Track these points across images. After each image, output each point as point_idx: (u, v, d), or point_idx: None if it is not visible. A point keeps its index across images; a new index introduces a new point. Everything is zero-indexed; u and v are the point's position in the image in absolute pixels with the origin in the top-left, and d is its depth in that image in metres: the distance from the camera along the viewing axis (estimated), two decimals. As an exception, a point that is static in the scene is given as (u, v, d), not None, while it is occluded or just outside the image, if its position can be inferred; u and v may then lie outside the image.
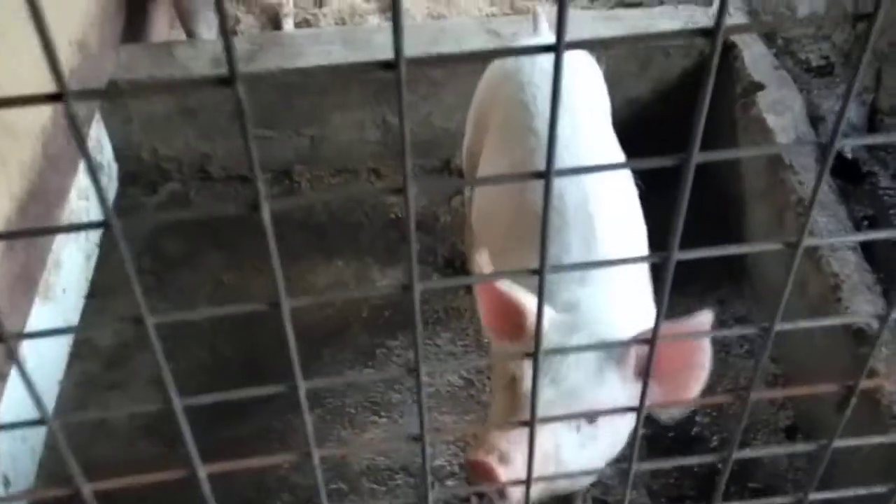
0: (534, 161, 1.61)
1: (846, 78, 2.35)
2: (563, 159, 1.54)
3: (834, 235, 1.90)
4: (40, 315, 2.00)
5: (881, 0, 0.49)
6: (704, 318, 1.18)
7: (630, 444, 0.68)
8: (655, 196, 1.62)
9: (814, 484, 0.80)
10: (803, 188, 2.04)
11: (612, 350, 1.26)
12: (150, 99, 2.49)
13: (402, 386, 2.09)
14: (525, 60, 1.78)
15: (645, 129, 2.10)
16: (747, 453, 0.83)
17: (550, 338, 1.27)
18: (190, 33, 2.83)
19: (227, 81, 0.51)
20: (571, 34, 0.46)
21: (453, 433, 2.04)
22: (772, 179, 2.16)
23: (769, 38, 2.54)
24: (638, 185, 1.66)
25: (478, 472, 1.19)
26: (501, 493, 1.21)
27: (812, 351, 1.94)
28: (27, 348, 1.92)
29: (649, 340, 0.64)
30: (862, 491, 0.85)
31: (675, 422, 1.94)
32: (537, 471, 1.21)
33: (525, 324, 1.29)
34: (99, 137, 2.47)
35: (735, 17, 2.58)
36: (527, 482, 0.75)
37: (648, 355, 0.64)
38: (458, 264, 2.37)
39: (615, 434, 1.31)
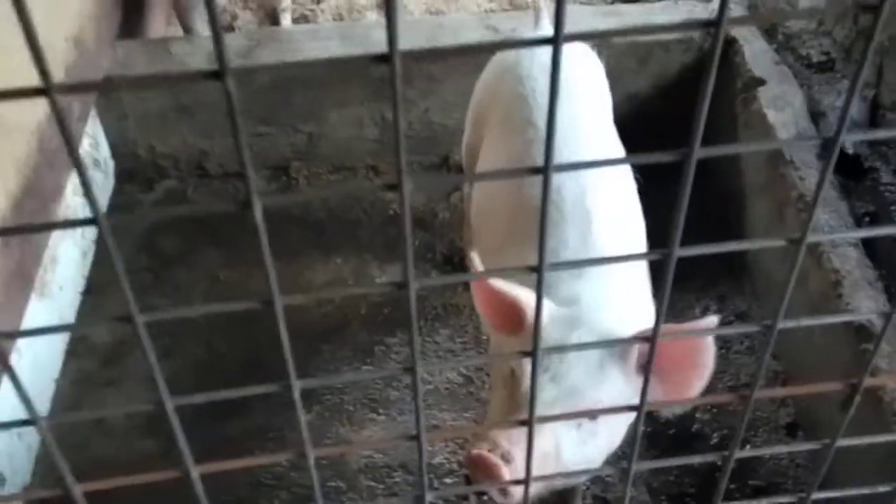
0: (532, 154, 1.60)
1: (847, 72, 2.34)
2: (562, 153, 1.53)
3: (835, 231, 1.88)
4: (36, 312, 1.99)
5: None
6: (709, 322, 1.18)
7: (630, 442, 0.67)
8: (655, 191, 1.61)
9: (816, 483, 0.79)
10: (804, 184, 2.03)
11: (614, 340, 1.26)
12: (146, 96, 2.48)
13: (401, 383, 2.08)
14: (524, 54, 1.77)
15: (644, 124, 2.09)
16: (749, 452, 0.82)
17: (550, 333, 1.26)
18: (187, 29, 2.81)
19: (217, 75, 0.50)
20: (570, 28, 0.45)
21: (451, 433, 2.03)
22: (772, 175, 2.15)
23: (770, 33, 2.53)
24: (637, 180, 1.65)
25: (479, 468, 1.18)
26: (503, 492, 1.20)
27: (813, 348, 1.93)
28: (23, 346, 1.91)
29: (649, 339, 0.63)
30: (865, 490, 0.84)
31: (675, 416, 1.93)
32: (538, 469, 1.20)
33: (524, 318, 1.28)
34: (95, 134, 2.46)
35: (735, 12, 2.56)
36: (525, 482, 0.74)
37: (649, 354, 0.63)
38: (456, 261, 2.36)
39: (615, 429, 1.31)
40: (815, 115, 2.26)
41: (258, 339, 2.08)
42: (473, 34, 2.50)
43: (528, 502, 0.78)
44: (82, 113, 2.35)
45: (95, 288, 2.30)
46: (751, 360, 2.10)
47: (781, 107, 2.23)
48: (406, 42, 0.43)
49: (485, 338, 2.14)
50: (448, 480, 1.91)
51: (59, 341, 2.14)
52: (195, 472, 0.71)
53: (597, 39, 0.48)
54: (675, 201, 0.54)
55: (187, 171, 2.62)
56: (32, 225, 0.53)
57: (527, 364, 1.23)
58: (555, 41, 0.48)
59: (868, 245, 1.92)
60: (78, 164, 0.50)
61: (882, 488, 0.87)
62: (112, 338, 2.18)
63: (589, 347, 0.90)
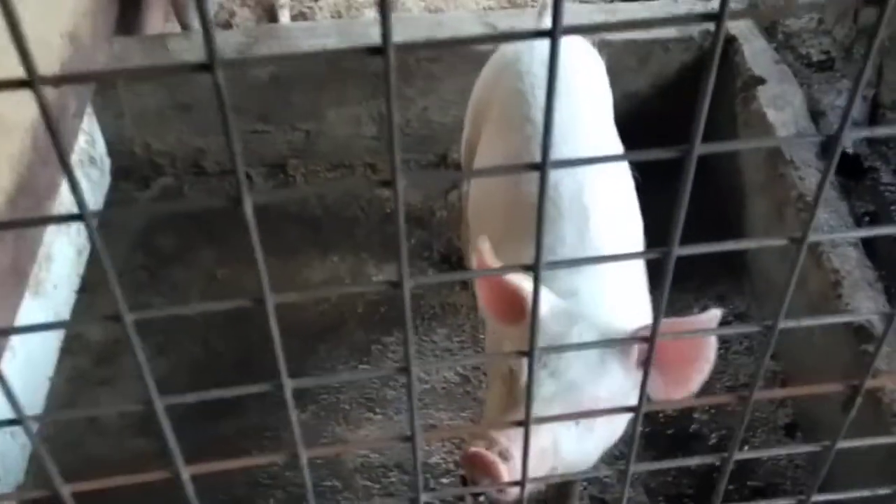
0: (530, 150, 1.59)
1: (847, 71, 2.33)
2: (560, 150, 1.52)
3: (835, 231, 1.87)
4: (30, 310, 1.98)
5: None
6: (712, 316, 1.17)
7: (628, 442, 0.66)
8: (653, 189, 1.60)
9: (816, 485, 0.78)
10: (804, 184, 2.02)
11: (613, 339, 1.25)
12: (143, 93, 2.46)
13: (398, 382, 2.07)
14: (524, 50, 1.76)
15: (644, 123, 2.08)
16: (749, 454, 0.81)
17: (551, 326, 1.25)
18: (185, 26, 2.80)
19: (206, 67, 0.48)
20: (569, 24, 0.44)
21: (447, 433, 2.02)
22: (772, 174, 2.14)
23: (769, 32, 2.51)
24: (635, 178, 1.64)
25: (476, 466, 1.17)
26: (501, 490, 1.19)
27: (812, 348, 1.92)
28: (17, 344, 1.90)
29: (648, 338, 0.62)
30: (865, 492, 0.83)
31: (674, 413, 1.92)
32: (536, 466, 1.20)
33: (525, 308, 1.28)
34: (91, 131, 2.44)
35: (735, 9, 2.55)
36: (521, 483, 0.73)
37: (647, 353, 0.62)
38: (454, 260, 2.34)
39: (614, 425, 1.31)
40: (815, 115, 2.25)
41: (254, 338, 2.07)
42: (472, 31, 2.48)
43: (525, 501, 0.77)
44: (78, 110, 2.34)
45: (90, 286, 2.29)
46: (749, 361, 2.09)
47: (781, 106, 2.22)
48: (404, 39, 0.42)
49: (481, 336, 2.13)
50: (444, 480, 1.90)
51: (54, 339, 2.13)
52: (185, 473, 0.70)
53: (595, 33, 0.47)
54: (673, 199, 0.53)
55: (183, 168, 2.60)
56: (16, 220, 0.52)
57: (525, 360, 1.22)
58: (552, 34, 0.47)
59: (868, 245, 1.91)
60: (62, 156, 0.49)
61: (882, 490, 0.86)
62: (106, 336, 2.17)
63: (589, 347, 0.89)
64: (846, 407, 0.71)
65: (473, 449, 1.16)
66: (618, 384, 1.24)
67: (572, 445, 1.24)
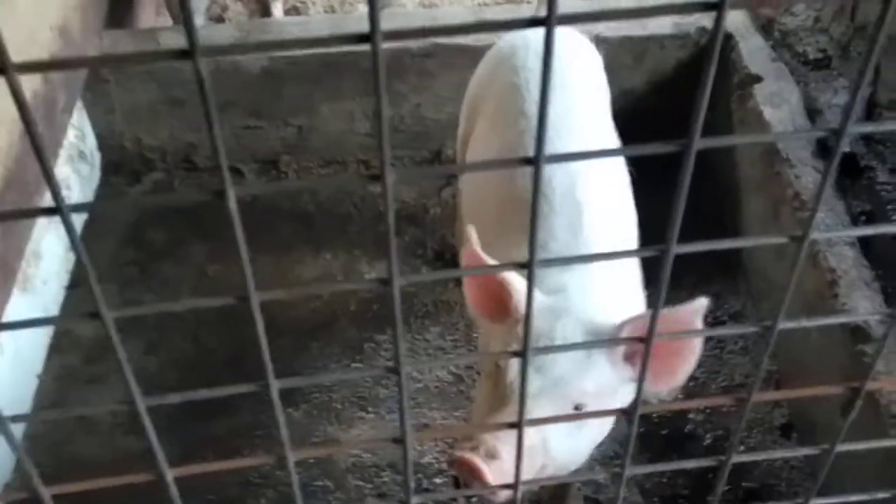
0: (524, 145, 1.57)
1: (844, 70, 2.32)
2: (554, 145, 1.51)
3: (832, 230, 1.86)
4: (18, 306, 1.95)
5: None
6: (698, 305, 1.15)
7: (623, 443, 0.64)
8: (648, 186, 1.58)
9: (815, 489, 0.76)
10: (800, 182, 2.00)
11: (600, 334, 1.25)
12: (133, 87, 2.44)
13: (390, 381, 2.05)
14: (520, 45, 1.74)
15: (640, 120, 2.06)
16: (746, 457, 0.80)
17: (535, 323, 1.24)
18: (177, 19, 2.77)
19: (186, 54, 0.46)
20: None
21: (439, 433, 2.00)
22: (768, 172, 2.12)
23: (766, 30, 2.50)
24: (630, 173, 1.63)
25: (464, 470, 1.16)
26: (492, 492, 1.18)
27: (808, 347, 1.90)
28: (5, 340, 1.88)
29: (644, 339, 0.60)
30: (864, 497, 0.82)
31: (668, 412, 1.91)
32: (525, 465, 1.18)
33: (510, 303, 1.27)
34: (81, 126, 2.42)
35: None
36: (515, 485, 0.71)
37: (644, 356, 0.60)
38: (447, 257, 2.32)
39: (603, 420, 1.30)
40: (812, 113, 2.23)
41: (247, 334, 2.02)
42: (466, 27, 2.46)
43: (519, 502, 0.75)
44: (67, 104, 2.31)
45: (80, 282, 2.26)
46: (745, 360, 2.08)
47: (778, 104, 2.20)
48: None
49: (475, 335, 2.11)
50: (437, 480, 1.88)
51: (43, 336, 2.10)
52: (170, 475, 0.68)
53: (592, 21, 0.45)
54: (669, 196, 0.52)
55: (174, 163, 2.58)
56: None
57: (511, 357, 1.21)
58: (547, 22, 0.46)
59: (864, 244, 1.90)
60: (35, 143, 0.47)
61: (881, 494, 0.84)
62: (96, 333, 2.14)
63: (580, 347, 0.88)
64: (846, 410, 0.69)
65: (459, 453, 1.15)
66: (605, 377, 1.23)
67: (562, 442, 1.23)
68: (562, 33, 1.68)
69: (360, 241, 2.39)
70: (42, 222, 2.08)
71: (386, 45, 0.44)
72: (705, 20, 2.46)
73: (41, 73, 2.06)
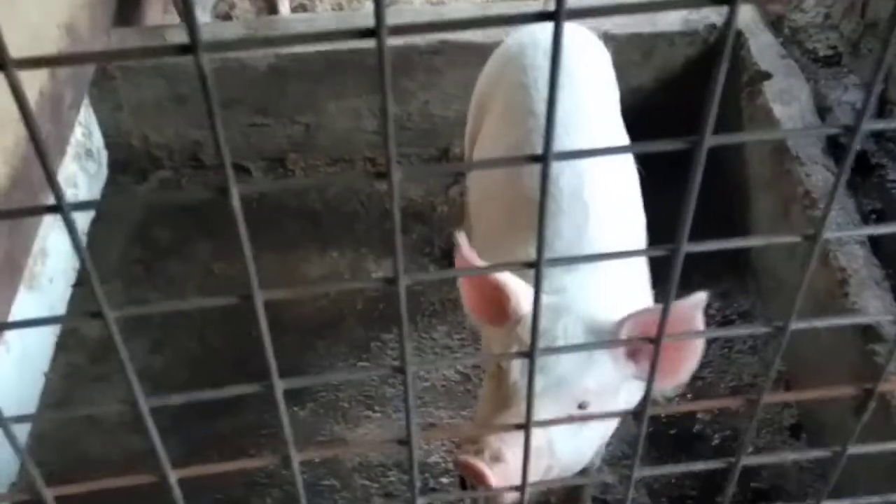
0: (532, 143, 1.56)
1: (854, 67, 2.30)
2: (562, 142, 1.49)
3: (842, 229, 1.84)
4: (25, 304, 1.95)
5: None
6: (697, 300, 1.14)
7: (632, 444, 0.63)
8: (656, 184, 1.57)
9: (826, 491, 0.75)
10: (810, 180, 1.99)
11: (602, 332, 1.24)
12: (140, 84, 2.43)
13: (397, 380, 2.04)
14: (528, 44, 1.73)
15: (648, 118, 2.05)
16: (757, 460, 0.78)
17: None
18: (183, 16, 2.77)
19: (188, 49, 0.46)
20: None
21: (445, 433, 1.99)
22: (777, 170, 2.10)
23: (776, 27, 2.48)
24: (638, 172, 1.61)
25: (468, 474, 1.15)
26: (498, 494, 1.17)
27: (818, 347, 1.89)
28: (12, 339, 1.88)
29: (653, 339, 0.59)
30: (875, 499, 0.80)
31: (665, 398, 1.89)
32: (531, 466, 1.17)
33: (508, 307, 1.26)
34: (88, 124, 2.41)
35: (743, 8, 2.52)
36: (522, 487, 0.70)
37: (653, 358, 0.59)
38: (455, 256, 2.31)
39: (607, 420, 1.28)
40: (822, 110, 2.22)
41: (253, 333, 2.03)
42: (474, 24, 2.45)
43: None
44: (74, 101, 2.31)
45: (87, 280, 2.26)
46: (754, 360, 2.06)
47: (788, 101, 2.18)
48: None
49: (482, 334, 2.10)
50: (444, 480, 1.87)
51: (49, 334, 2.10)
52: (173, 476, 0.68)
53: (602, 16, 0.44)
54: (677, 195, 0.51)
55: (181, 161, 2.58)
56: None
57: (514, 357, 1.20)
58: (556, 16, 0.45)
59: (874, 243, 1.88)
60: (35, 140, 0.46)
61: (894, 497, 0.83)
62: (102, 332, 2.14)
63: (587, 348, 0.86)
64: (858, 411, 0.68)
65: (463, 457, 1.14)
66: (607, 375, 1.23)
67: (567, 443, 1.22)
68: (570, 30, 1.66)
69: (367, 239, 2.38)
70: (48, 220, 2.08)
71: (394, 43, 0.43)
72: (714, 17, 2.44)
73: (48, 71, 2.06)
